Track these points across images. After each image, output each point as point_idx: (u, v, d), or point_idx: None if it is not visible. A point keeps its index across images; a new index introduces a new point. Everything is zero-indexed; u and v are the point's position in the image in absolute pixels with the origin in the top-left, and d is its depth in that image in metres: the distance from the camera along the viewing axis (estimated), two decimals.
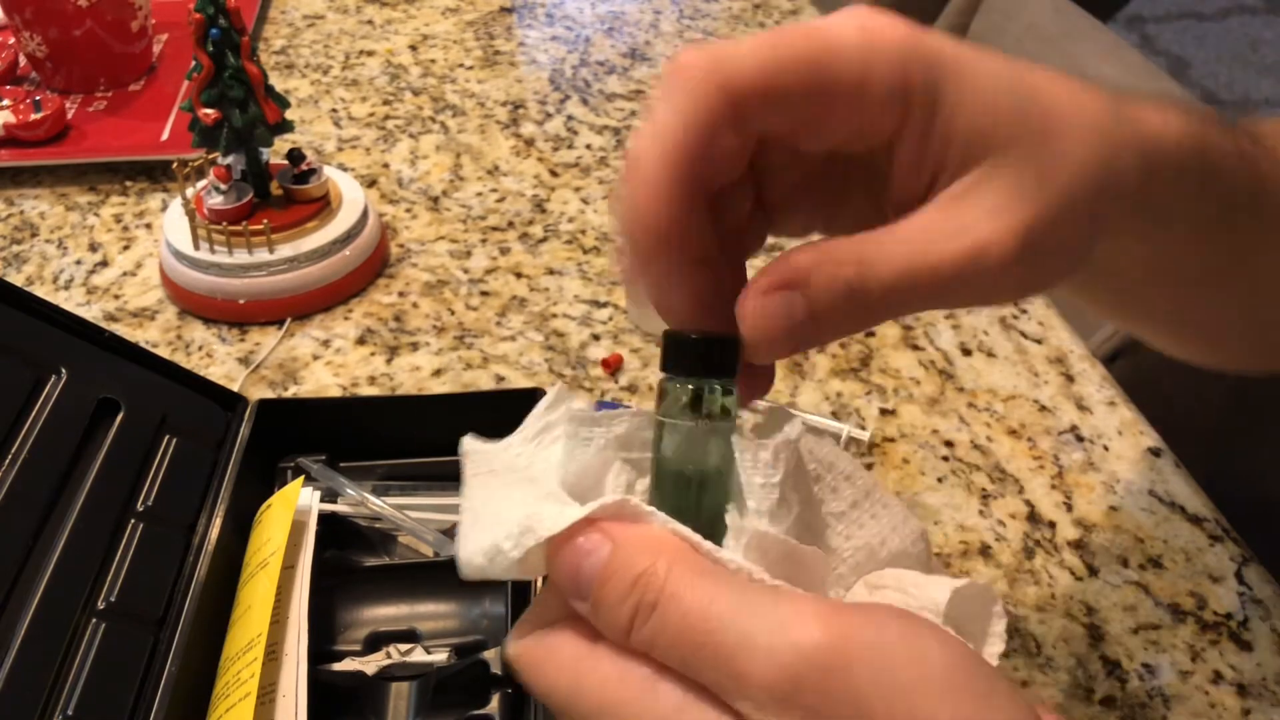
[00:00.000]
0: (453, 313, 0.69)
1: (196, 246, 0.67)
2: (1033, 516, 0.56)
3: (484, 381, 0.64)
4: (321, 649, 0.47)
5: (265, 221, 0.66)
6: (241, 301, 0.67)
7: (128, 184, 0.81)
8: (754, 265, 0.31)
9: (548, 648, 0.26)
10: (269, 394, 0.63)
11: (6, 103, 0.82)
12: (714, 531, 0.26)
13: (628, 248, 0.28)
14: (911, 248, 0.27)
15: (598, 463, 0.28)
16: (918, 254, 0.27)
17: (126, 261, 0.74)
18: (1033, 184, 0.27)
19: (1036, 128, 0.27)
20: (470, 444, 0.30)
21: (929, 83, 0.27)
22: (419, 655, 0.47)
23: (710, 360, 0.28)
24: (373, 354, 0.66)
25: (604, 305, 0.69)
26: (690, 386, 0.28)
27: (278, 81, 0.93)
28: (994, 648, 0.27)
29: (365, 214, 0.71)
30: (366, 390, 0.63)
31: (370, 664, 0.46)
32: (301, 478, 0.49)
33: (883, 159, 0.29)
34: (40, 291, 0.68)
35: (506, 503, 0.28)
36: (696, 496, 0.28)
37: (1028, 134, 0.27)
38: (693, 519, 0.26)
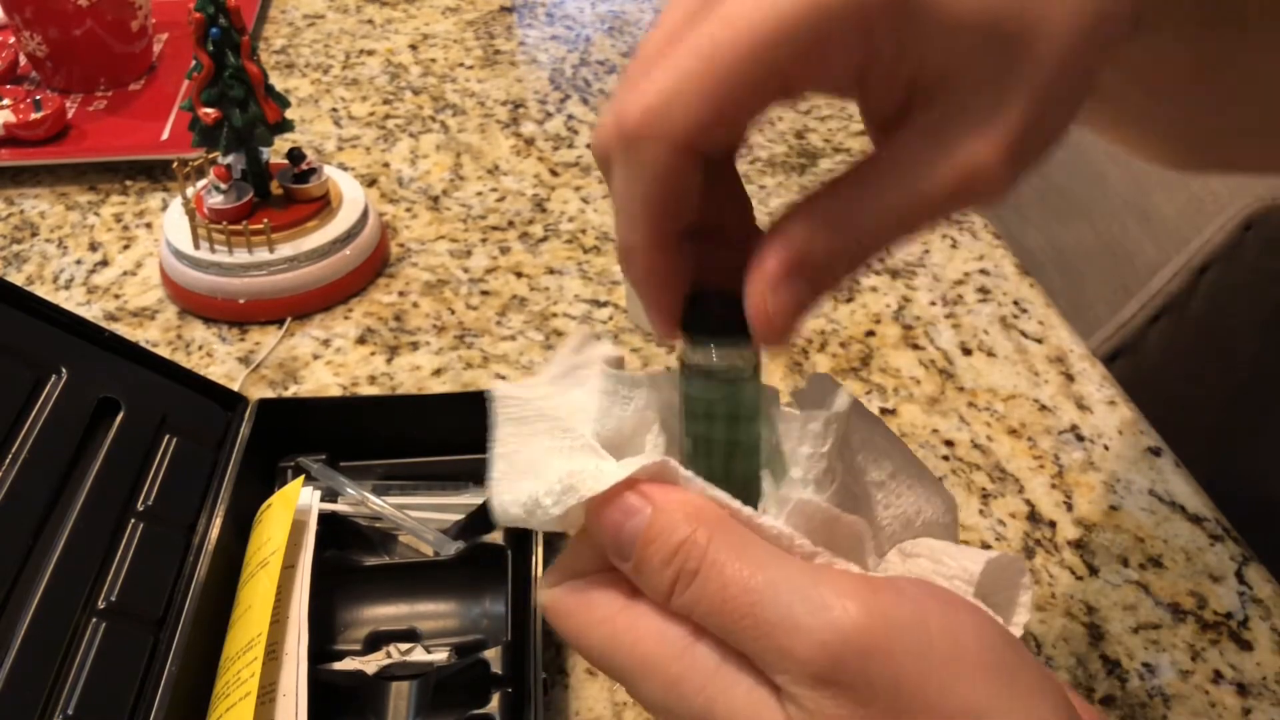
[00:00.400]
0: (453, 312, 0.69)
1: (196, 246, 0.67)
2: (1033, 516, 0.56)
3: (484, 381, 0.64)
4: (321, 649, 0.47)
5: (265, 221, 0.66)
6: (241, 301, 0.67)
7: (128, 183, 0.81)
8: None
9: (585, 600, 0.27)
10: (269, 394, 0.63)
11: (6, 102, 0.82)
12: (748, 495, 0.26)
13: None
14: (906, 190, 0.26)
15: (636, 421, 0.28)
16: (913, 195, 0.26)
17: (126, 261, 0.74)
18: (1015, 90, 0.26)
19: (1014, 29, 0.26)
20: (499, 389, 0.30)
21: (893, 19, 0.25)
22: (419, 655, 0.47)
23: (729, 320, 0.27)
24: (373, 353, 0.66)
25: (604, 305, 0.69)
26: (710, 348, 0.27)
27: (278, 81, 0.93)
28: (1020, 617, 0.27)
29: (365, 213, 0.71)
30: (366, 390, 0.63)
31: (370, 663, 0.46)
32: (301, 477, 0.49)
33: (853, 84, 0.27)
34: (40, 291, 0.68)
35: (540, 452, 0.28)
36: (726, 460, 0.28)
37: (1005, 38, 0.26)
38: (724, 482, 0.26)
